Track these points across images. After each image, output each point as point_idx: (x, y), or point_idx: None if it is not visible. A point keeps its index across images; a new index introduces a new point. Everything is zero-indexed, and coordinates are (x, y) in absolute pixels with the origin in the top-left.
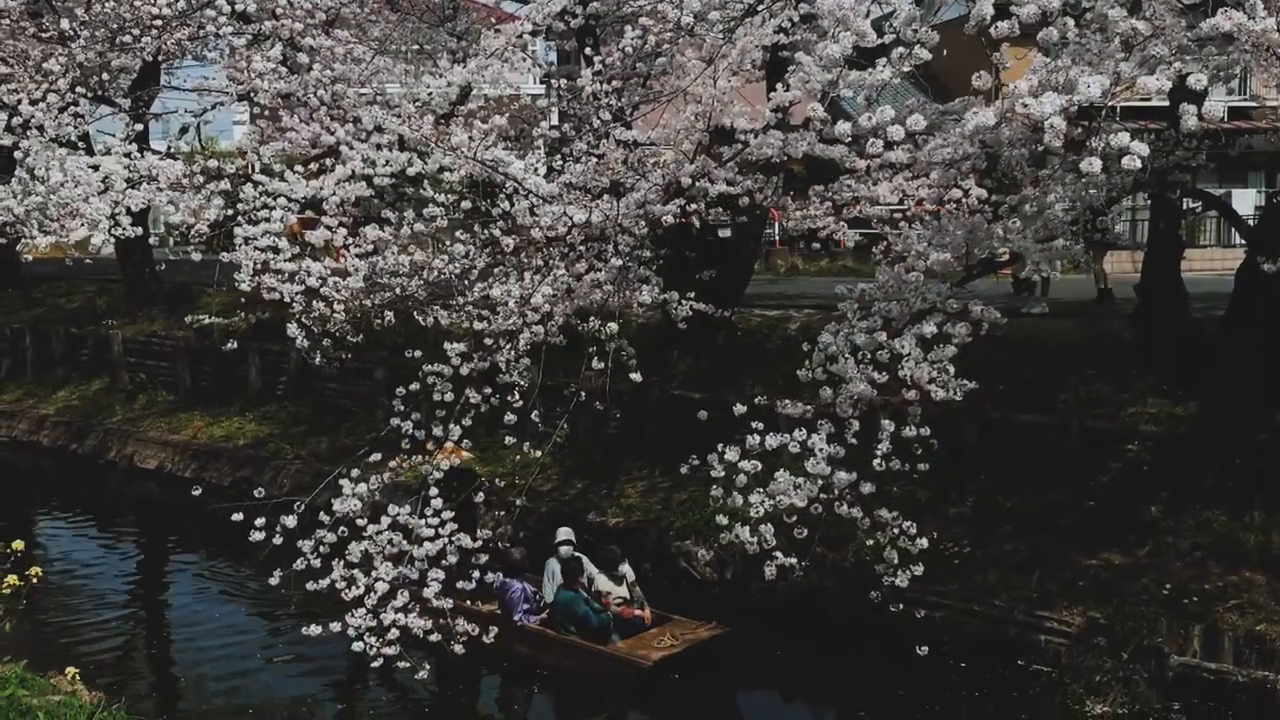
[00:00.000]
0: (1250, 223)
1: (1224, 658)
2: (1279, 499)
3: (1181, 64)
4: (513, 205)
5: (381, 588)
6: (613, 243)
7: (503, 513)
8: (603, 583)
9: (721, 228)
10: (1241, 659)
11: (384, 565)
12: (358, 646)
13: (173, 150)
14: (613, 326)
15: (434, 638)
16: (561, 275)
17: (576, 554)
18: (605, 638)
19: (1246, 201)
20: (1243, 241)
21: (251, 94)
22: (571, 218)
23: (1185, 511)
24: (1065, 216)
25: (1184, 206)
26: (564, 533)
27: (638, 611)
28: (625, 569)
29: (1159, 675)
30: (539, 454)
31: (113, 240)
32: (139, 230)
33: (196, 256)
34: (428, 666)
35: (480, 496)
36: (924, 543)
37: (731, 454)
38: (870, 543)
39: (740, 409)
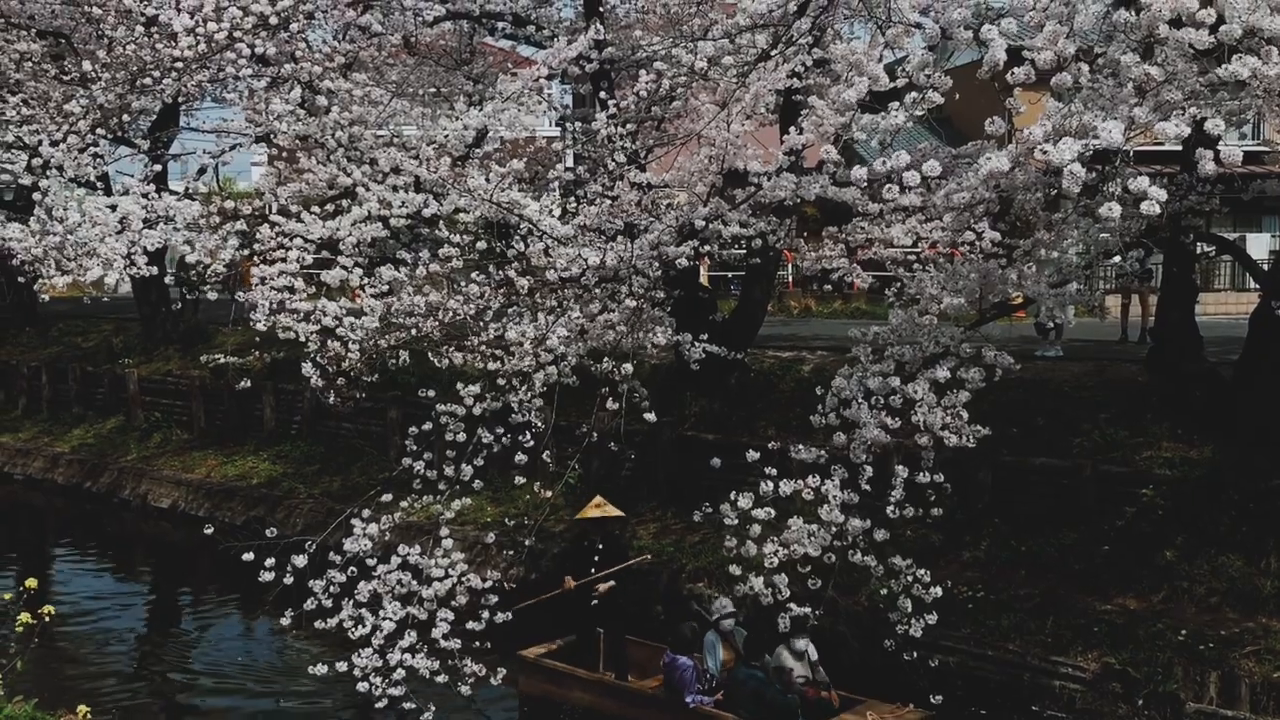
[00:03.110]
0: (1264, 267)
1: (1241, 705)
2: None
3: (1197, 109)
4: (528, 246)
5: (389, 627)
6: (627, 284)
7: (513, 553)
8: (786, 658)
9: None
10: (1259, 706)
11: (392, 605)
12: (362, 687)
13: (190, 191)
14: (627, 367)
15: (441, 678)
16: (576, 316)
17: (742, 627)
18: None
19: (1260, 246)
20: (1256, 285)
21: (270, 135)
22: (586, 259)
23: (1200, 556)
24: (1078, 261)
25: (1198, 250)
26: (725, 604)
27: (824, 694)
28: (807, 644)
29: None
30: (550, 494)
31: (129, 279)
32: (154, 270)
33: (213, 296)
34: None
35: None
36: (938, 591)
37: (745, 501)
38: (884, 590)
39: (754, 454)
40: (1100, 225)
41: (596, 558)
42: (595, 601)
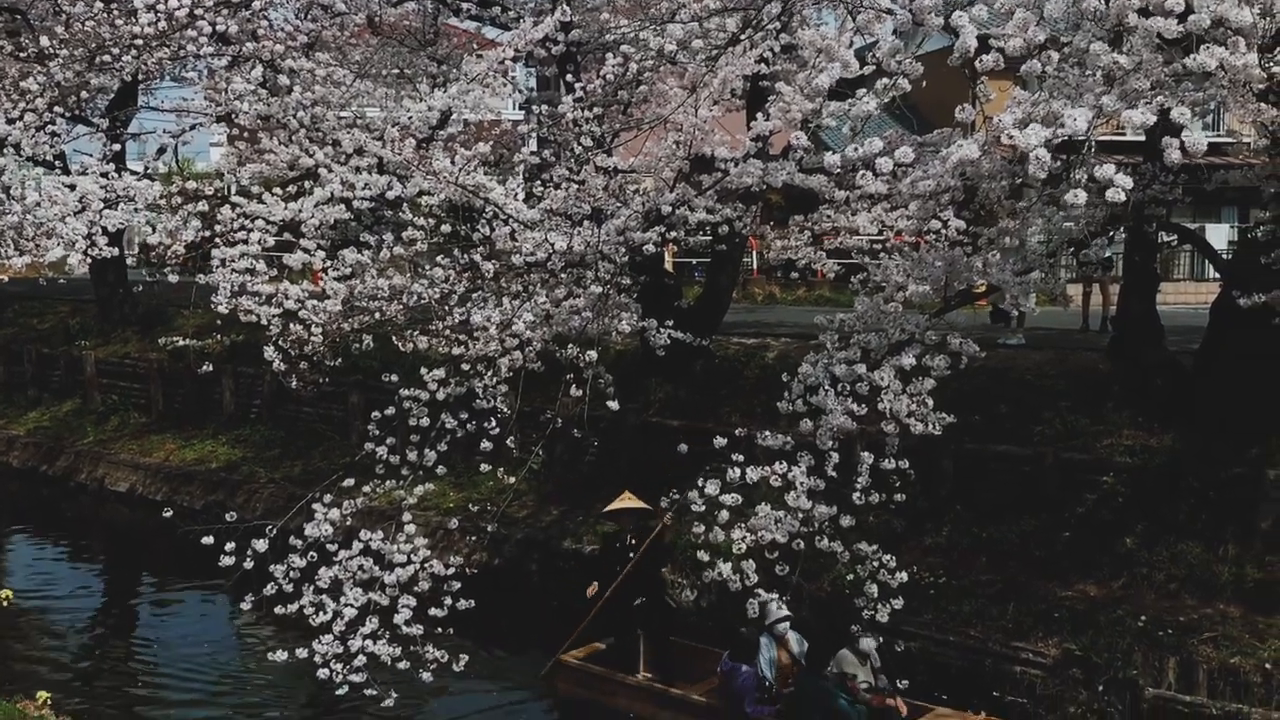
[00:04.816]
0: (1224, 257)
1: (1199, 690)
2: (1252, 532)
3: (1164, 98)
4: (493, 230)
5: (350, 613)
6: (594, 269)
7: (476, 539)
8: (848, 663)
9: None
10: (1216, 691)
11: (353, 591)
12: (323, 673)
13: (150, 171)
14: (592, 354)
15: (402, 665)
16: (541, 301)
17: (795, 630)
18: None
19: (1220, 236)
20: (1216, 275)
21: (231, 115)
22: (553, 244)
23: (1160, 544)
24: (1042, 249)
25: (1159, 240)
26: (780, 607)
27: (890, 701)
28: (869, 645)
29: (1134, 707)
30: (514, 480)
31: (87, 261)
32: (115, 250)
33: (173, 278)
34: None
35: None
36: (904, 576)
37: (712, 488)
38: (850, 576)
39: (721, 441)
40: (1064, 214)
41: (631, 554)
42: (638, 602)
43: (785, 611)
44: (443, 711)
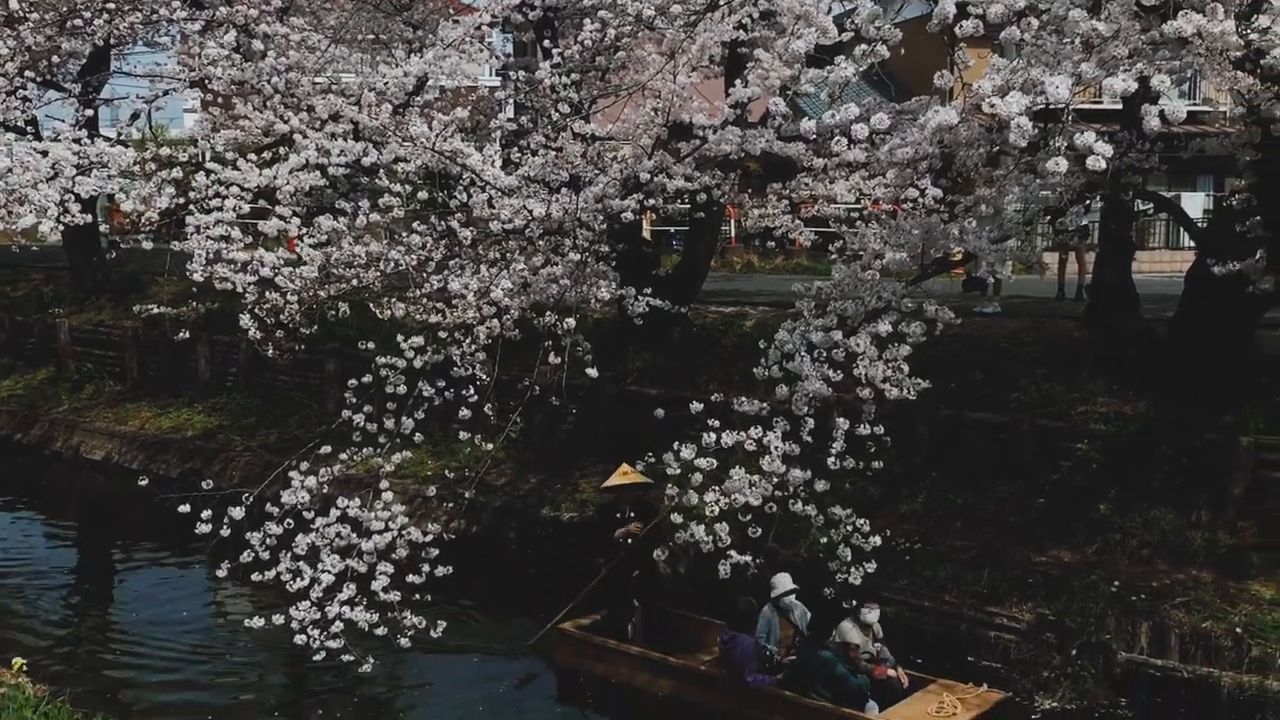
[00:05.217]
0: (1199, 225)
1: (1170, 654)
2: (1225, 499)
3: (1142, 66)
4: (470, 197)
5: (327, 580)
6: (572, 237)
7: (453, 506)
8: (850, 632)
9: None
10: (1187, 655)
11: (331, 558)
12: (300, 640)
13: (123, 137)
14: (570, 321)
15: (380, 631)
16: (519, 269)
17: (798, 602)
18: (860, 704)
19: (1195, 204)
20: (1191, 244)
21: (205, 81)
22: (531, 210)
23: (1133, 510)
24: (1018, 217)
25: (1135, 208)
26: (785, 580)
27: (891, 672)
28: (872, 616)
29: (1107, 671)
30: (492, 448)
31: (61, 228)
32: (88, 217)
33: (147, 245)
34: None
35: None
36: (877, 540)
37: (687, 452)
38: (824, 540)
39: (697, 406)
40: (1041, 182)
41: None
42: (634, 574)
43: (792, 585)
44: (420, 677)
